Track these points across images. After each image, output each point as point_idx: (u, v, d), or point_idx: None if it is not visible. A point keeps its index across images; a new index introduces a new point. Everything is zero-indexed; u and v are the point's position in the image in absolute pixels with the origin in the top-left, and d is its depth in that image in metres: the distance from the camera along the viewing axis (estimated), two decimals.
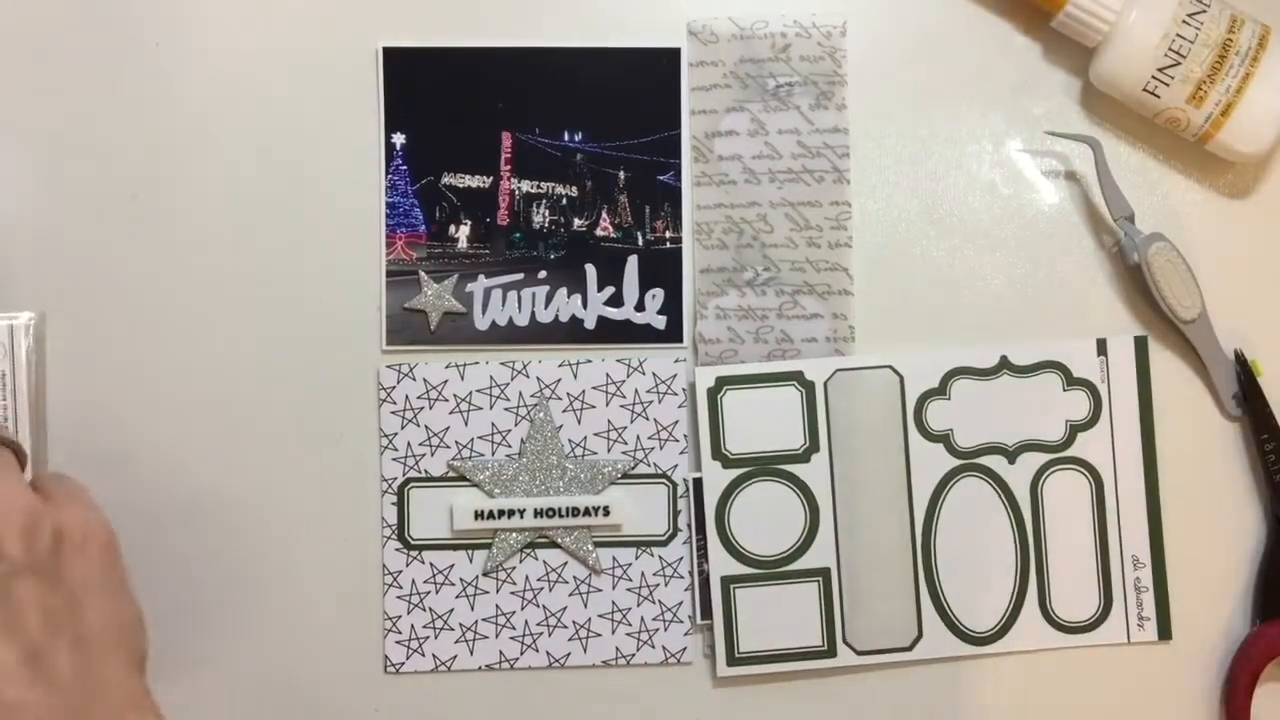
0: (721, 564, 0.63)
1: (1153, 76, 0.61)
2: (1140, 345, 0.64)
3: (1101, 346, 0.64)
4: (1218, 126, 0.61)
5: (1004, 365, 0.64)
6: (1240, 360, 0.64)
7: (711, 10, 0.64)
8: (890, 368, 0.64)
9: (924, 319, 0.65)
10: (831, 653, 0.63)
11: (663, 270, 0.64)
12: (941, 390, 0.64)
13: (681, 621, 0.64)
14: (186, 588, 0.63)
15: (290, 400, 0.64)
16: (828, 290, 0.64)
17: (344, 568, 0.63)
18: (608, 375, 0.64)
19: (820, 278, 0.64)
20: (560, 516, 0.63)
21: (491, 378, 0.63)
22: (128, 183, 0.64)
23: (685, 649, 0.64)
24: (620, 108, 0.64)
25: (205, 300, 0.64)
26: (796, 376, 0.64)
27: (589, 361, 0.64)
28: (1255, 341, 0.65)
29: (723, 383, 0.63)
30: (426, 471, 0.63)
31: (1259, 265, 0.65)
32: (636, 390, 0.64)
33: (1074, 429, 0.64)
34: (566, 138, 0.64)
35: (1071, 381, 0.64)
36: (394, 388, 0.63)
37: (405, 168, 0.64)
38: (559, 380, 0.63)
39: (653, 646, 0.64)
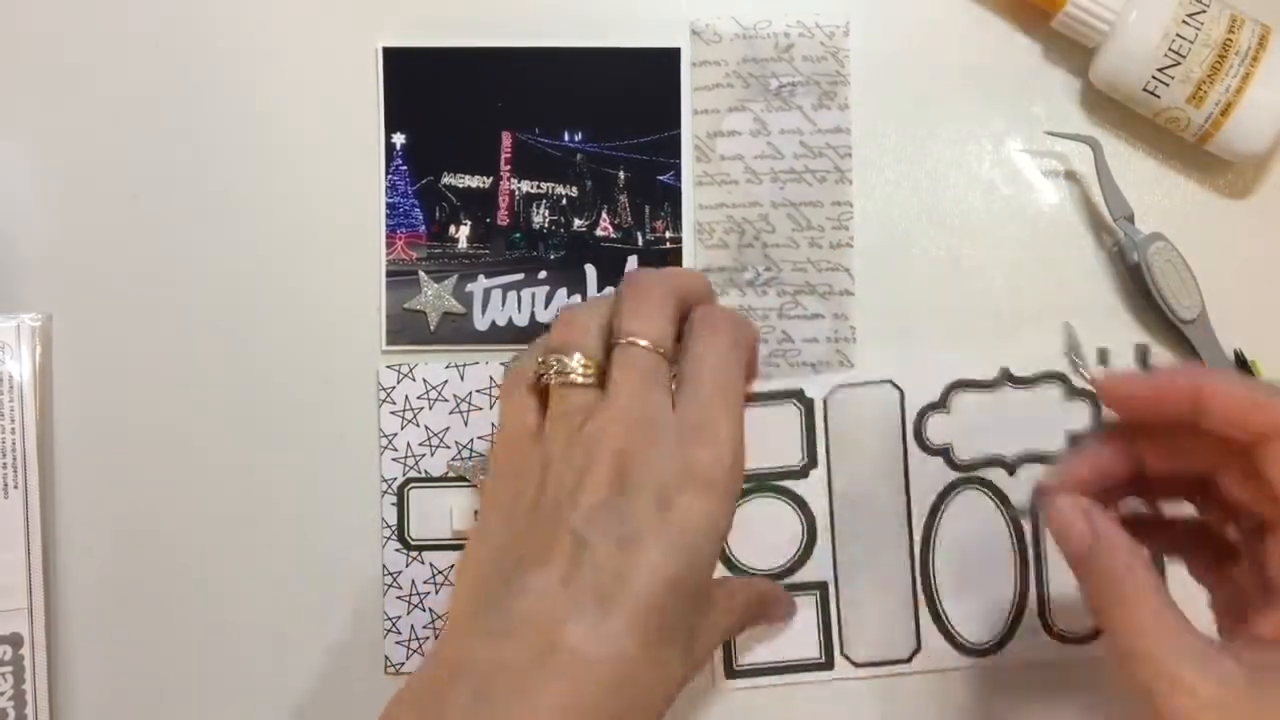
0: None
1: (1153, 76, 0.61)
2: (1141, 354, 0.64)
3: (1103, 356, 0.64)
4: (1218, 126, 0.61)
5: (1005, 377, 0.64)
6: (1240, 360, 0.64)
7: (714, 10, 0.64)
8: (890, 382, 0.64)
9: (923, 318, 0.64)
10: (829, 665, 0.63)
11: None
12: (942, 404, 0.64)
13: None
14: (186, 585, 0.63)
15: (291, 401, 0.63)
16: (829, 290, 0.64)
17: (344, 568, 0.63)
18: None
19: (822, 278, 0.64)
20: None
21: (491, 378, 0.63)
22: (129, 183, 0.63)
23: None
24: (620, 108, 0.64)
25: (207, 301, 0.63)
26: (796, 395, 0.64)
27: None
28: (1255, 341, 0.64)
29: None
30: (426, 472, 0.63)
31: (1259, 265, 0.65)
32: None
33: (1075, 440, 0.64)
34: (566, 138, 0.64)
35: (1072, 393, 0.64)
36: (394, 388, 0.63)
37: (405, 168, 0.63)
38: None
39: None
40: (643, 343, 0.51)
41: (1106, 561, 0.46)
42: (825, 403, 0.64)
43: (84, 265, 0.63)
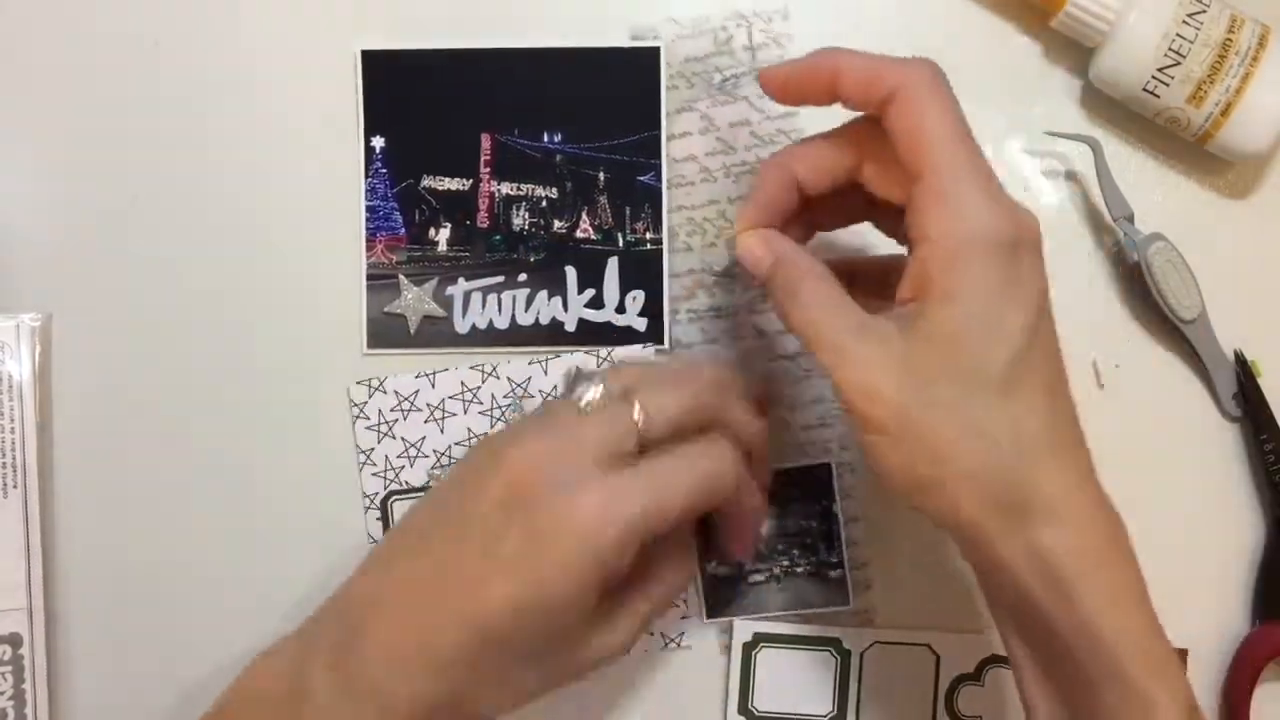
0: None
1: (1153, 76, 0.60)
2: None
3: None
4: (1218, 126, 0.60)
5: None
6: (1240, 360, 0.63)
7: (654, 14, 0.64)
8: (928, 646, 0.63)
9: None
10: None
11: (643, 272, 0.63)
12: (976, 676, 0.63)
13: (678, 605, 0.64)
14: (185, 586, 0.64)
15: (279, 405, 0.64)
16: None
17: (331, 584, 0.60)
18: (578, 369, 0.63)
19: None
20: None
21: (462, 383, 0.63)
22: (128, 183, 0.64)
23: (683, 633, 0.64)
24: (599, 109, 0.63)
25: (200, 302, 0.64)
26: (833, 643, 0.63)
27: (557, 356, 0.63)
28: (1255, 341, 0.63)
29: (759, 639, 0.63)
30: (408, 483, 0.63)
31: (1259, 265, 0.64)
32: None
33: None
34: (546, 139, 0.63)
35: None
36: (365, 403, 0.63)
37: (385, 171, 0.63)
38: (529, 378, 0.63)
39: (650, 633, 0.64)
40: (636, 406, 0.53)
41: (785, 273, 0.52)
42: (862, 657, 0.63)
43: (84, 265, 0.64)
